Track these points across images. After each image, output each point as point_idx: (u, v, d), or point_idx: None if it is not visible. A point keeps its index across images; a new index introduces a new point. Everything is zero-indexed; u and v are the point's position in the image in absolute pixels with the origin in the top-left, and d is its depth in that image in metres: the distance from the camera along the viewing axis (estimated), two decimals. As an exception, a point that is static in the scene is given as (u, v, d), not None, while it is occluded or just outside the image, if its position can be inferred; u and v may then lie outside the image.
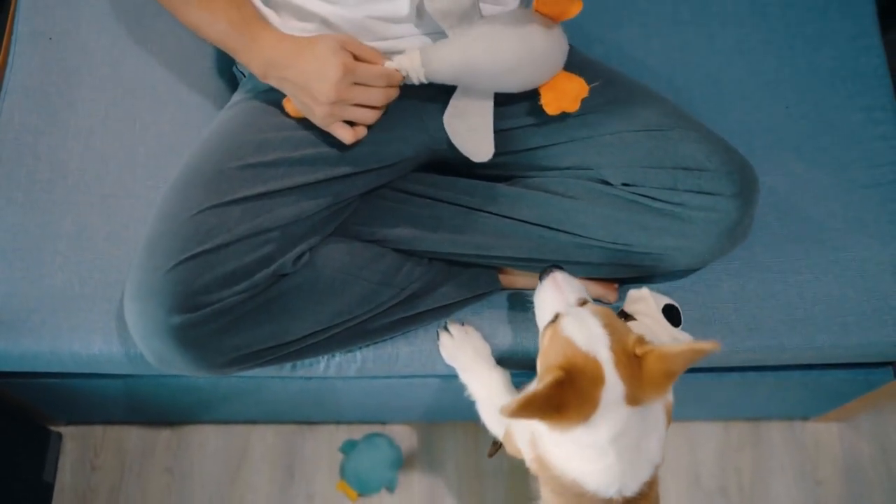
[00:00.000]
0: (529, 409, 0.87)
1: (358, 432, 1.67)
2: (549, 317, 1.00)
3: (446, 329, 1.22)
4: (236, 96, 1.23)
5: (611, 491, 0.94)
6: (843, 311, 1.25)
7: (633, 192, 1.13)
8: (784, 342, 1.25)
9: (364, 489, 1.61)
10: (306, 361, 1.24)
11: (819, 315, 1.25)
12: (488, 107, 1.12)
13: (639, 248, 1.14)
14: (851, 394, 1.51)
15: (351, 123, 1.08)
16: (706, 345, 0.88)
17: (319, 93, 1.03)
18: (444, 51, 1.06)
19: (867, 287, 1.26)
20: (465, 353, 1.19)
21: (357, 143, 1.12)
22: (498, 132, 1.17)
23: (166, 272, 1.01)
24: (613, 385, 0.90)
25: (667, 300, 1.14)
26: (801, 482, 1.67)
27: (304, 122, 1.13)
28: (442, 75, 1.07)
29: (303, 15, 1.13)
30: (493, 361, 1.20)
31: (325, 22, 1.12)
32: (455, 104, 1.11)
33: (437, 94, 1.14)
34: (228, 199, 1.06)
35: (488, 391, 1.16)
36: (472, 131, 1.12)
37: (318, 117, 1.07)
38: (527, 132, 1.17)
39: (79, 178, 1.29)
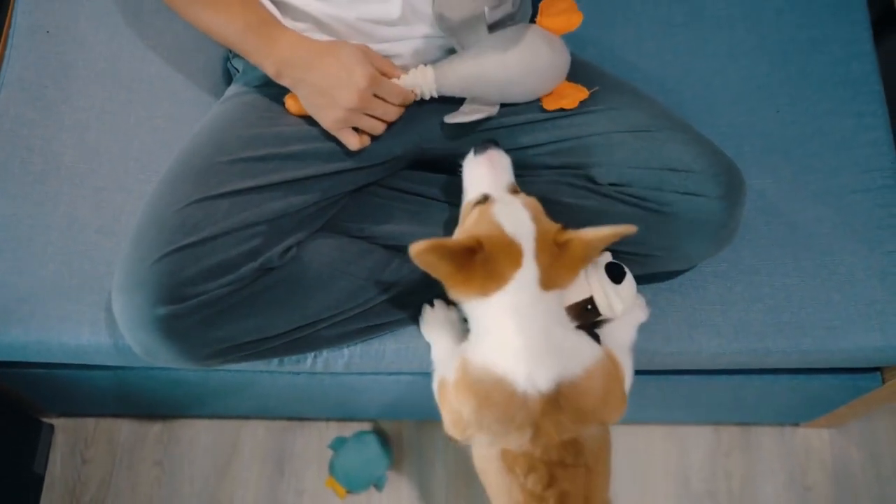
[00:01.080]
0: (433, 253, 0.92)
1: (348, 430, 1.68)
2: (478, 196, 1.04)
3: (432, 305, 1.22)
4: (229, 91, 1.24)
5: (520, 373, 0.94)
6: (830, 316, 1.25)
7: (621, 192, 1.14)
8: (770, 345, 1.25)
9: (353, 486, 1.61)
10: (294, 356, 1.25)
11: (806, 319, 1.25)
12: (494, 111, 1.15)
13: (625, 248, 1.14)
14: (840, 399, 1.50)
15: (358, 131, 1.11)
16: (623, 228, 0.96)
17: (342, 98, 1.06)
18: (457, 66, 1.10)
19: (855, 292, 1.26)
20: (441, 325, 1.19)
21: None
22: (487, 131, 1.18)
23: (152, 263, 1.02)
24: (529, 270, 0.96)
25: (608, 258, 1.15)
26: (790, 488, 1.67)
27: (297, 119, 1.14)
28: (452, 89, 1.12)
29: (296, 14, 1.14)
30: (459, 337, 1.18)
31: (317, 22, 1.13)
32: (461, 113, 1.13)
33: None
34: (217, 193, 1.06)
35: (446, 357, 1.15)
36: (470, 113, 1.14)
37: (329, 120, 1.09)
38: (515, 131, 1.18)
39: (72, 171, 1.30)
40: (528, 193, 1.05)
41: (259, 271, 1.07)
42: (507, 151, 1.19)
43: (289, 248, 1.10)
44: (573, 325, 1.03)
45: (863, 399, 1.46)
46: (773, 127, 1.37)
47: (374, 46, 1.12)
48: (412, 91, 1.10)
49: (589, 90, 1.15)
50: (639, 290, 1.17)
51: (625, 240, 1.13)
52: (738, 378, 1.40)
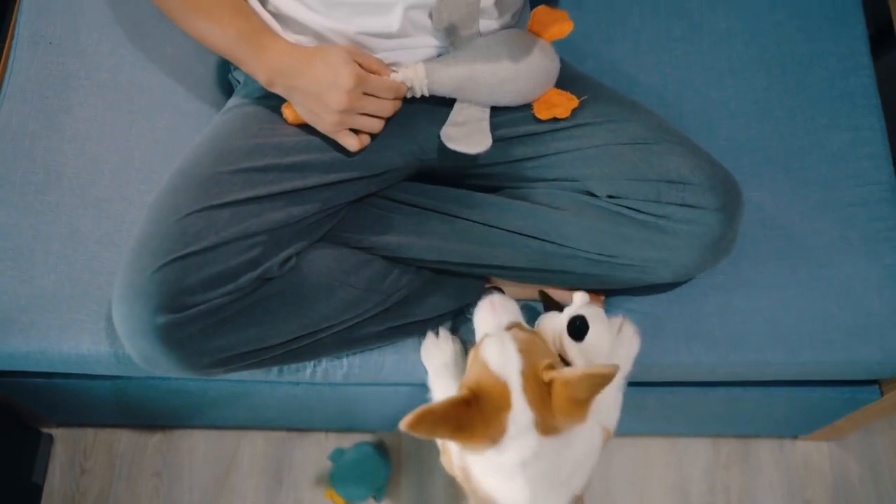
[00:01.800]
0: (424, 423, 0.86)
1: (347, 441, 1.68)
2: (479, 337, 1.03)
3: (436, 332, 1.23)
4: (230, 102, 1.25)
5: None
6: (828, 328, 1.25)
7: (618, 204, 1.14)
8: (768, 357, 1.25)
9: (352, 497, 1.61)
10: (293, 366, 1.25)
11: (804, 331, 1.25)
12: (485, 113, 1.16)
13: (623, 260, 1.15)
14: (839, 412, 1.51)
15: (356, 132, 1.12)
16: (603, 369, 0.86)
17: (331, 101, 1.06)
18: (448, 64, 1.11)
19: (852, 304, 1.26)
20: (443, 356, 1.20)
21: (348, 152, 1.14)
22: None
23: (153, 273, 1.02)
24: (521, 411, 0.90)
25: (584, 312, 1.10)
26: (789, 501, 1.67)
27: (297, 130, 1.15)
28: (444, 88, 1.12)
29: (297, 27, 1.15)
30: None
31: (318, 36, 1.14)
32: (456, 114, 1.14)
33: (427, 105, 1.16)
34: (217, 203, 1.07)
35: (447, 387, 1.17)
36: (468, 135, 1.14)
37: (326, 124, 1.10)
38: (514, 143, 1.19)
39: (73, 181, 1.30)
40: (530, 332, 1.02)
41: (259, 281, 1.07)
42: (506, 164, 1.21)
43: (288, 259, 1.11)
44: (585, 449, 1.01)
45: (861, 412, 1.46)
46: (772, 140, 1.37)
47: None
48: (403, 84, 1.11)
49: (579, 98, 1.16)
50: (615, 312, 1.19)
51: (623, 252, 1.15)
52: (736, 390, 1.40)
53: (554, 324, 1.10)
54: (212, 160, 1.11)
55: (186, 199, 1.07)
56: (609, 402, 1.12)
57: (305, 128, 1.14)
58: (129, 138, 1.34)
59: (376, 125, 1.12)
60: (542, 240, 1.17)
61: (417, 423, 0.85)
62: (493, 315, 1.05)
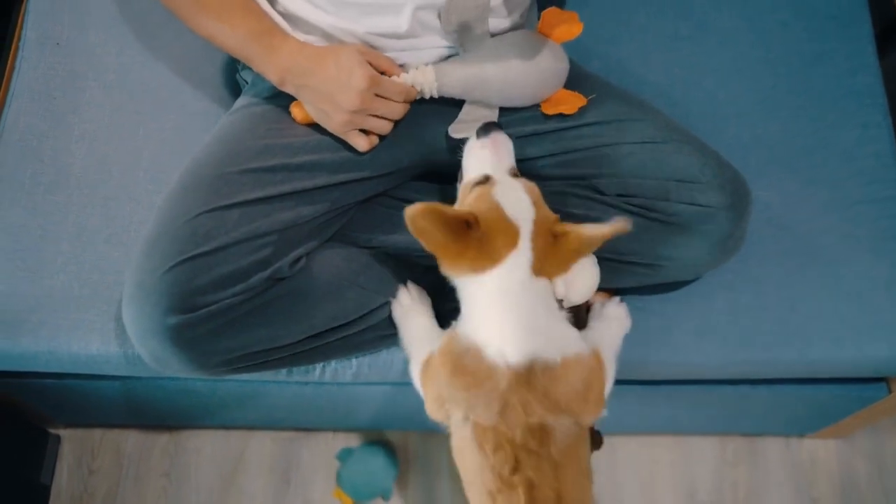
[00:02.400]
0: (430, 217, 0.94)
1: (355, 441, 1.68)
2: (479, 176, 1.05)
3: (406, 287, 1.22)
4: (239, 102, 1.25)
5: (492, 345, 0.97)
6: (836, 326, 1.26)
7: (627, 203, 1.14)
8: (777, 355, 1.26)
9: (359, 497, 1.61)
10: (302, 367, 1.25)
11: (812, 329, 1.26)
12: (494, 113, 1.16)
13: (631, 258, 1.15)
14: (846, 410, 1.51)
15: (365, 132, 1.13)
16: (612, 228, 0.96)
17: (343, 101, 1.07)
18: (458, 66, 1.12)
19: (860, 302, 1.27)
20: (416, 312, 1.19)
21: (357, 151, 1.14)
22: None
23: (163, 273, 1.03)
24: (524, 252, 0.97)
25: None
26: (796, 499, 1.67)
27: (306, 130, 1.15)
28: (453, 89, 1.12)
29: (306, 27, 1.15)
30: (437, 327, 1.19)
31: (326, 35, 1.14)
32: (465, 114, 1.15)
33: (436, 105, 1.16)
34: (227, 203, 1.07)
35: (425, 336, 1.16)
36: (476, 127, 1.13)
37: (335, 124, 1.10)
38: (523, 143, 1.19)
39: (82, 181, 1.31)
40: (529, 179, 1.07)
41: (269, 281, 1.07)
42: (515, 163, 1.21)
43: (298, 259, 1.11)
44: (564, 317, 1.04)
45: (869, 409, 1.46)
46: (779, 139, 1.37)
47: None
48: (413, 88, 1.11)
49: (587, 97, 1.16)
50: (628, 305, 1.21)
51: (632, 250, 1.15)
52: (744, 388, 1.41)
53: None
54: (220, 160, 1.12)
55: (196, 200, 1.07)
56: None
57: (314, 128, 1.14)
58: (136, 138, 1.34)
59: (385, 127, 1.12)
60: (551, 238, 1.17)
61: (423, 215, 0.93)
62: (495, 155, 1.07)
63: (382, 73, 1.10)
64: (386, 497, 1.63)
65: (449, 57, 1.16)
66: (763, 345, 1.25)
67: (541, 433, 0.98)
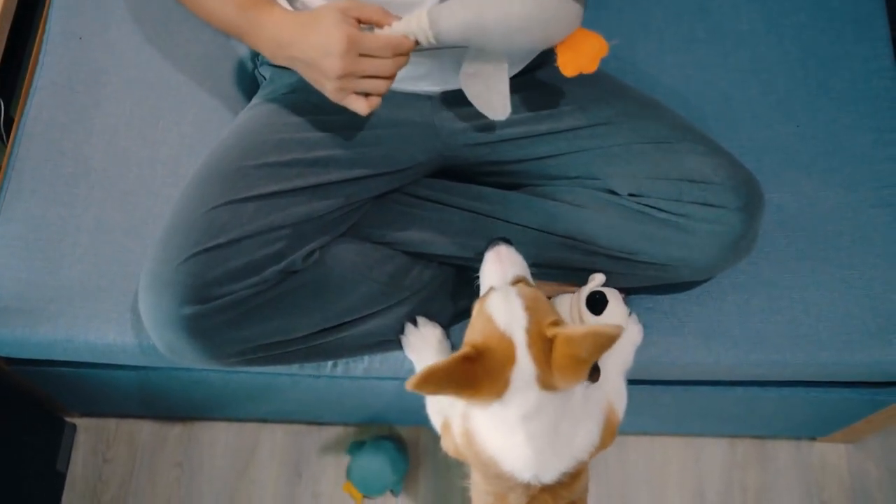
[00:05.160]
0: (431, 381, 0.88)
1: (366, 435, 1.69)
2: (484, 290, 1.02)
3: (415, 323, 1.23)
4: (257, 98, 1.26)
5: (525, 474, 0.94)
6: (847, 329, 1.26)
7: (640, 203, 1.15)
8: (788, 358, 1.26)
9: (369, 491, 1.62)
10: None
11: (823, 332, 1.26)
12: (503, 68, 1.08)
13: (643, 258, 1.16)
14: (858, 414, 1.51)
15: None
16: (608, 329, 0.87)
17: (327, 68, 1.00)
18: (452, 8, 1.01)
19: (873, 306, 1.27)
20: (427, 346, 1.20)
21: (372, 148, 1.15)
22: (508, 140, 1.20)
23: (179, 264, 1.04)
24: (524, 366, 0.91)
25: (597, 288, 1.12)
26: (806, 503, 1.67)
27: (322, 125, 1.16)
28: (451, 35, 1.01)
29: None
30: None
31: None
32: (469, 64, 1.08)
33: (450, 101, 1.17)
34: (243, 196, 1.08)
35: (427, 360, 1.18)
36: (488, 90, 1.09)
37: (329, 92, 1.04)
38: (536, 141, 1.20)
39: (101, 174, 1.33)
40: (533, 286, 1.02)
41: (283, 274, 1.09)
42: (528, 161, 1.22)
43: (312, 252, 1.12)
44: (588, 413, 1.00)
45: (880, 414, 1.46)
46: (793, 141, 1.37)
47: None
48: (405, 38, 1.01)
49: (609, 42, 1.04)
50: (633, 310, 1.21)
51: (644, 250, 1.15)
52: (754, 390, 1.41)
53: (571, 300, 1.11)
54: (237, 154, 1.13)
55: (212, 193, 1.09)
56: (618, 389, 1.12)
57: (331, 124, 1.15)
58: (156, 133, 1.36)
59: (381, 86, 1.03)
60: (564, 237, 1.18)
61: (424, 381, 0.87)
62: (498, 267, 1.04)
63: (374, 25, 1.02)
64: (396, 492, 1.64)
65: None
66: (774, 347, 1.25)
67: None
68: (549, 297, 1.26)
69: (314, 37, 1.01)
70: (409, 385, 0.86)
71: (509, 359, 0.91)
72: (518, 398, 0.91)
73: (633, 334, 1.21)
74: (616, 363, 1.15)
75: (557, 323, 0.93)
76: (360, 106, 1.03)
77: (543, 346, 0.91)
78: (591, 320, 1.09)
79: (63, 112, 1.36)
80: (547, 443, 0.94)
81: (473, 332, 0.96)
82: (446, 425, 1.08)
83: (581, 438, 0.98)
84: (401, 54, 1.02)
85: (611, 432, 1.05)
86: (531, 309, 0.94)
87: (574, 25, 1.04)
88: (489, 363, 0.91)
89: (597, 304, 1.09)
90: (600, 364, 1.07)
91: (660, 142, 1.16)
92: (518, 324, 0.92)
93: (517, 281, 1.01)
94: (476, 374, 0.90)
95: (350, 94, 1.03)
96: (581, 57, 1.03)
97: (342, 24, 0.99)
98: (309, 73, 1.04)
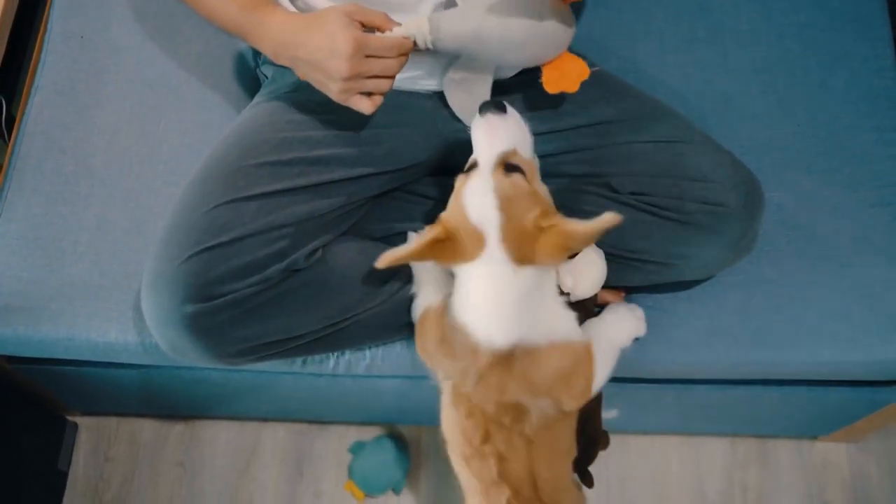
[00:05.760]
0: (403, 259, 0.99)
1: (368, 433, 1.69)
2: (470, 163, 1.02)
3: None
4: (258, 97, 1.26)
5: (479, 329, 0.98)
6: (848, 328, 1.26)
7: (641, 201, 1.15)
8: (788, 356, 1.26)
9: (371, 490, 1.63)
10: (316, 358, 1.27)
11: (824, 331, 1.26)
12: (488, 79, 1.12)
13: (644, 256, 1.16)
14: (858, 413, 1.51)
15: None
16: (606, 222, 0.92)
17: (333, 70, 1.02)
18: (455, 18, 1.04)
19: (873, 304, 1.27)
20: (431, 277, 1.19)
21: (374, 147, 1.15)
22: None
23: (181, 263, 1.04)
24: (494, 253, 0.97)
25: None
26: (807, 502, 1.67)
27: (324, 124, 1.16)
28: (448, 43, 1.04)
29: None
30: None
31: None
32: (456, 71, 1.11)
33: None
34: (245, 195, 1.09)
35: (428, 295, 1.17)
36: (470, 96, 1.12)
37: (334, 93, 1.05)
38: (539, 139, 1.19)
39: (103, 173, 1.33)
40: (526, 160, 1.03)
41: (285, 272, 1.09)
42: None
43: (315, 251, 1.12)
44: (561, 302, 1.04)
45: (881, 412, 1.46)
46: (794, 140, 1.38)
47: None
48: (406, 39, 1.03)
49: (591, 69, 1.10)
50: (640, 304, 1.21)
51: (644, 248, 1.16)
52: (755, 389, 1.41)
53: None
54: (239, 153, 1.13)
55: (214, 192, 1.09)
56: (603, 346, 1.12)
57: (332, 122, 1.16)
58: (157, 131, 1.36)
59: (384, 85, 1.05)
60: (564, 235, 1.18)
61: (395, 260, 0.99)
62: (486, 140, 1.02)
63: (376, 28, 1.04)
64: (397, 490, 1.64)
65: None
66: (774, 346, 1.26)
67: (515, 411, 1.00)
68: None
69: (320, 39, 1.02)
70: (379, 262, 0.98)
71: (479, 246, 0.97)
72: (485, 266, 0.98)
73: (637, 325, 1.21)
74: (614, 336, 1.15)
75: (547, 213, 0.97)
76: (365, 105, 1.05)
77: (520, 236, 0.96)
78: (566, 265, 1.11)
79: (64, 111, 1.36)
80: (505, 304, 0.98)
81: (450, 212, 1.01)
82: (426, 312, 1.11)
83: (548, 318, 1.01)
84: (403, 55, 1.04)
85: (584, 376, 1.05)
86: (506, 207, 0.97)
87: (563, 48, 1.10)
88: (458, 244, 0.98)
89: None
90: (597, 333, 1.10)
91: (660, 141, 1.17)
92: (490, 221, 0.97)
93: (508, 156, 1.00)
94: (444, 248, 0.99)
95: (354, 94, 1.04)
96: (565, 78, 1.08)
97: (349, 27, 1.00)
98: (312, 75, 1.05)
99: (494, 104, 1.03)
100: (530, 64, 1.12)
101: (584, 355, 1.04)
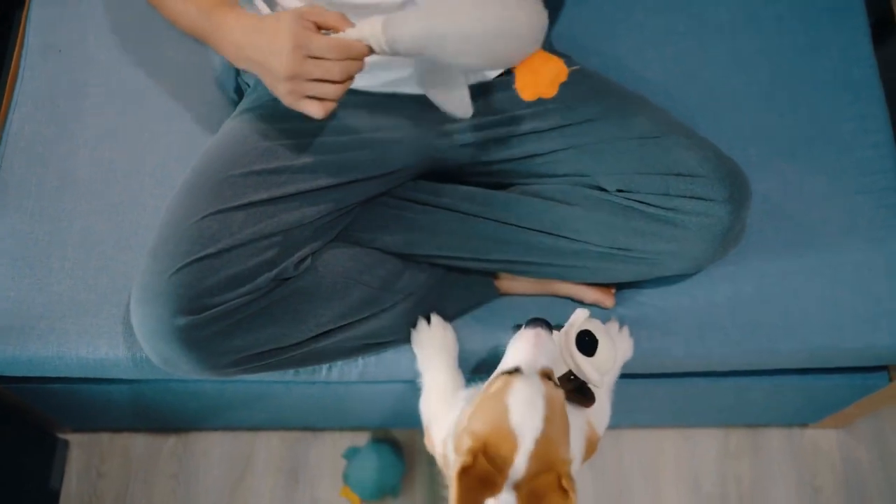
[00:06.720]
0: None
1: (362, 439, 1.69)
2: (511, 366, 0.97)
3: (427, 319, 1.23)
4: (241, 106, 1.26)
5: None
6: (837, 315, 1.27)
7: (628, 198, 1.15)
8: (779, 345, 1.27)
9: (367, 495, 1.62)
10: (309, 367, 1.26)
11: (814, 318, 1.27)
12: (459, 75, 1.05)
13: (634, 253, 1.16)
14: (848, 399, 1.52)
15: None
16: None
17: (274, 68, 0.98)
18: (407, 18, 0.97)
19: (861, 290, 1.28)
20: (433, 344, 1.20)
21: (360, 152, 1.15)
22: (495, 140, 1.20)
23: (171, 275, 1.04)
24: (517, 473, 0.89)
25: (583, 327, 1.08)
26: (800, 489, 1.68)
27: (309, 131, 1.16)
28: (403, 45, 0.96)
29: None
30: (454, 362, 1.21)
31: None
32: (426, 70, 1.06)
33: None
34: (232, 205, 1.08)
35: (437, 385, 1.18)
36: (448, 92, 1.07)
37: (282, 95, 1.01)
38: (524, 140, 1.20)
39: (87, 187, 1.32)
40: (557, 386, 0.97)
41: (275, 282, 1.09)
42: (516, 160, 1.22)
43: (304, 259, 1.12)
44: None
45: (870, 398, 1.48)
46: (777, 131, 1.38)
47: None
48: (357, 42, 0.97)
49: (569, 68, 1.00)
50: (623, 307, 1.22)
51: (633, 244, 1.16)
52: (746, 379, 1.42)
53: (560, 342, 1.07)
54: (225, 163, 1.13)
55: (201, 202, 1.08)
56: (600, 408, 1.13)
57: (317, 129, 1.15)
58: (140, 143, 1.35)
59: (331, 90, 0.98)
60: (554, 235, 1.18)
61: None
62: (532, 351, 0.98)
63: (332, 29, 0.98)
64: (394, 495, 1.64)
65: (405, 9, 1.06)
66: (766, 336, 1.26)
67: None
68: (531, 294, 1.29)
69: (265, 37, 0.99)
70: None
71: (507, 461, 0.88)
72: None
73: (624, 350, 1.22)
74: (609, 378, 1.16)
75: (569, 475, 0.89)
76: (314, 109, 1.00)
77: (540, 469, 0.89)
78: (585, 362, 1.05)
79: (45, 125, 1.35)
80: None
81: (480, 418, 0.93)
82: (427, 430, 1.11)
83: None
84: (352, 58, 0.98)
85: (591, 450, 1.06)
86: (549, 418, 0.91)
87: (532, 48, 0.99)
88: (485, 466, 0.88)
89: (587, 345, 1.06)
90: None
91: (645, 137, 1.17)
92: (530, 426, 0.90)
93: (544, 373, 0.96)
94: (473, 480, 0.88)
95: (301, 97, 1.00)
96: (540, 81, 1.00)
97: (293, 25, 0.97)
98: (264, 77, 1.02)
99: (543, 322, 1.01)
100: (499, 65, 1.06)
101: (593, 443, 1.06)
